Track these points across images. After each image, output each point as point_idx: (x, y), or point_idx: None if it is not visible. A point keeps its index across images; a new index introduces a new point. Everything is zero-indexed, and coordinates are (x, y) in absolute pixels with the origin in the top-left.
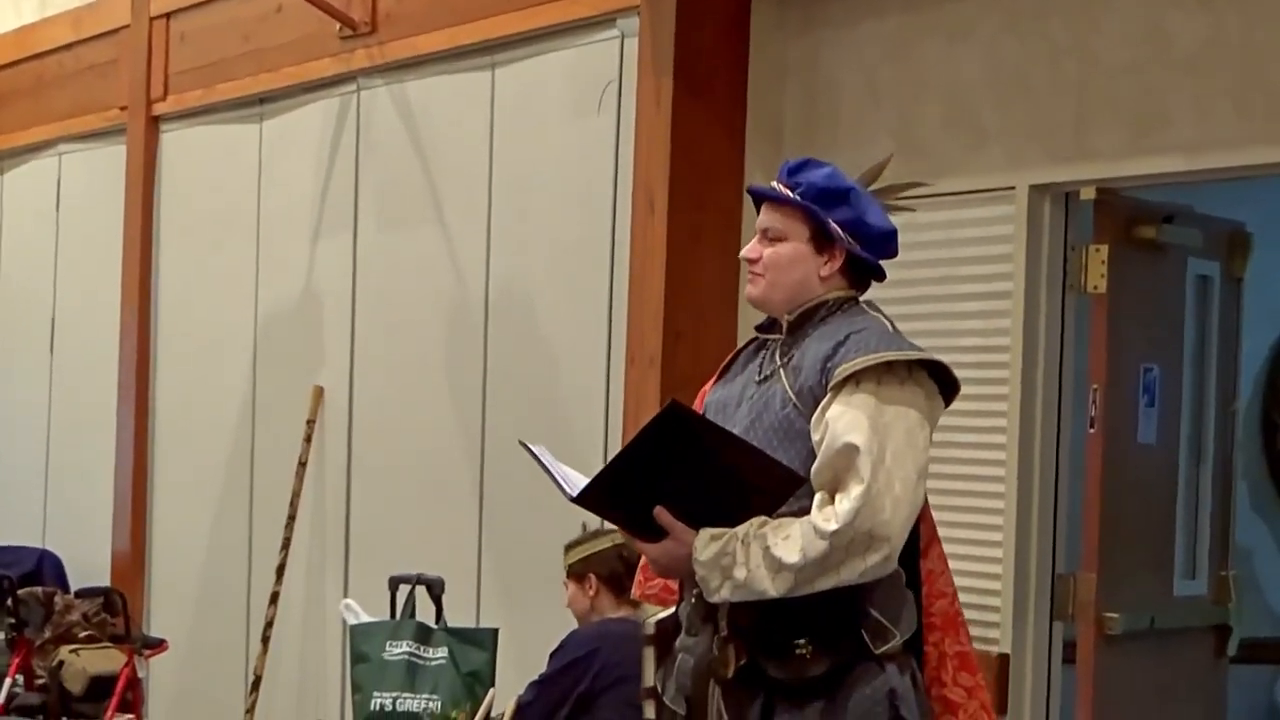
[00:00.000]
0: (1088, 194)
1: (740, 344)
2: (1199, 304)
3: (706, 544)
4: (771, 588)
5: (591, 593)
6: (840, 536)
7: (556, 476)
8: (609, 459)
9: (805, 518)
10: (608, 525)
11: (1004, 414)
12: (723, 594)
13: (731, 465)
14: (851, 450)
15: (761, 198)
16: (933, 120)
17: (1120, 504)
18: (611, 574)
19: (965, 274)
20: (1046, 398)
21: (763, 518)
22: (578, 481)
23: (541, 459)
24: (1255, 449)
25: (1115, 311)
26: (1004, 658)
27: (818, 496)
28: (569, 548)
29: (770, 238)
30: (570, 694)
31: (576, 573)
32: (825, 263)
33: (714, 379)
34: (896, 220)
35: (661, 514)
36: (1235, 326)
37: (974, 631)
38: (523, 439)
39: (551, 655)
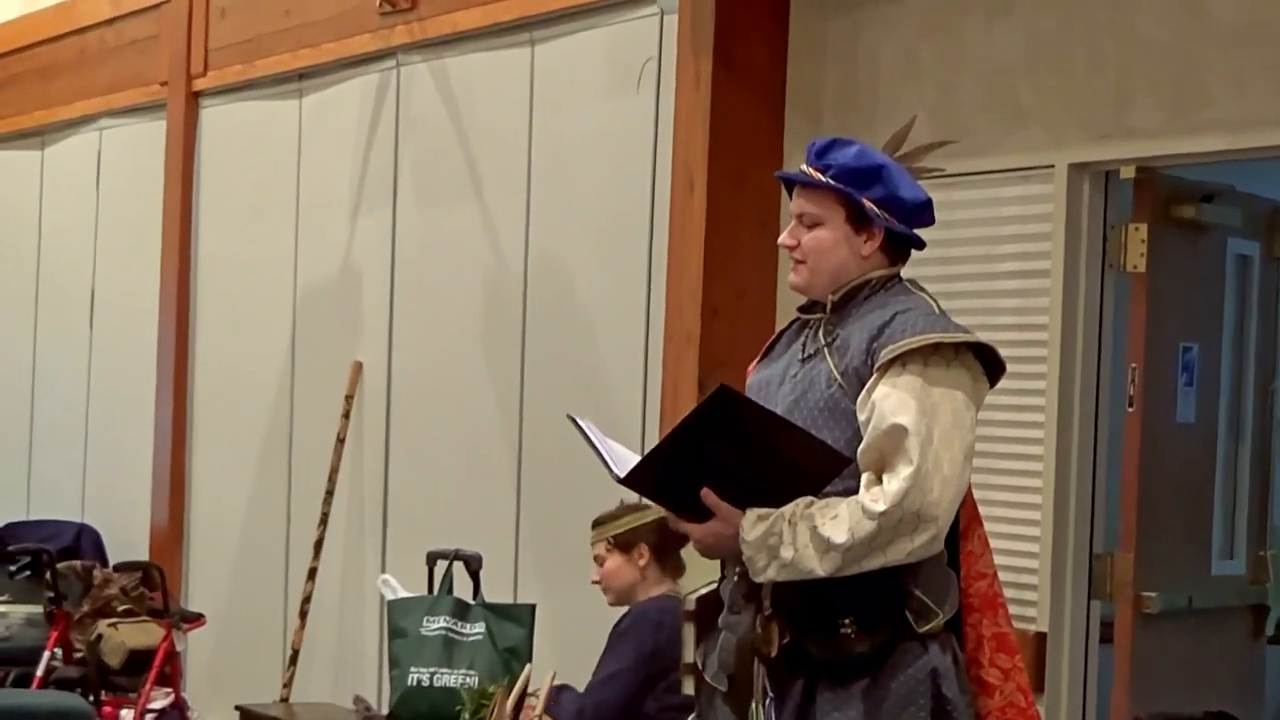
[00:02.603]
0: (1127, 173)
1: (779, 323)
2: (1238, 283)
3: (753, 524)
4: (819, 567)
5: (642, 563)
6: (889, 517)
7: (604, 453)
8: (656, 440)
9: (853, 497)
10: (644, 501)
11: (1042, 393)
12: (769, 574)
13: (778, 447)
14: (899, 431)
15: (793, 183)
16: (972, 98)
17: (1158, 483)
18: (660, 544)
19: (1004, 253)
20: (1085, 377)
21: (809, 498)
22: (625, 457)
23: (589, 434)
24: None
25: (1154, 291)
26: (1041, 637)
27: (865, 477)
28: (606, 521)
29: (807, 223)
30: (658, 682)
31: (624, 543)
32: (865, 242)
33: (757, 360)
34: (935, 197)
35: (707, 495)
36: (1275, 306)
37: (1011, 610)
38: (569, 412)
39: (619, 642)
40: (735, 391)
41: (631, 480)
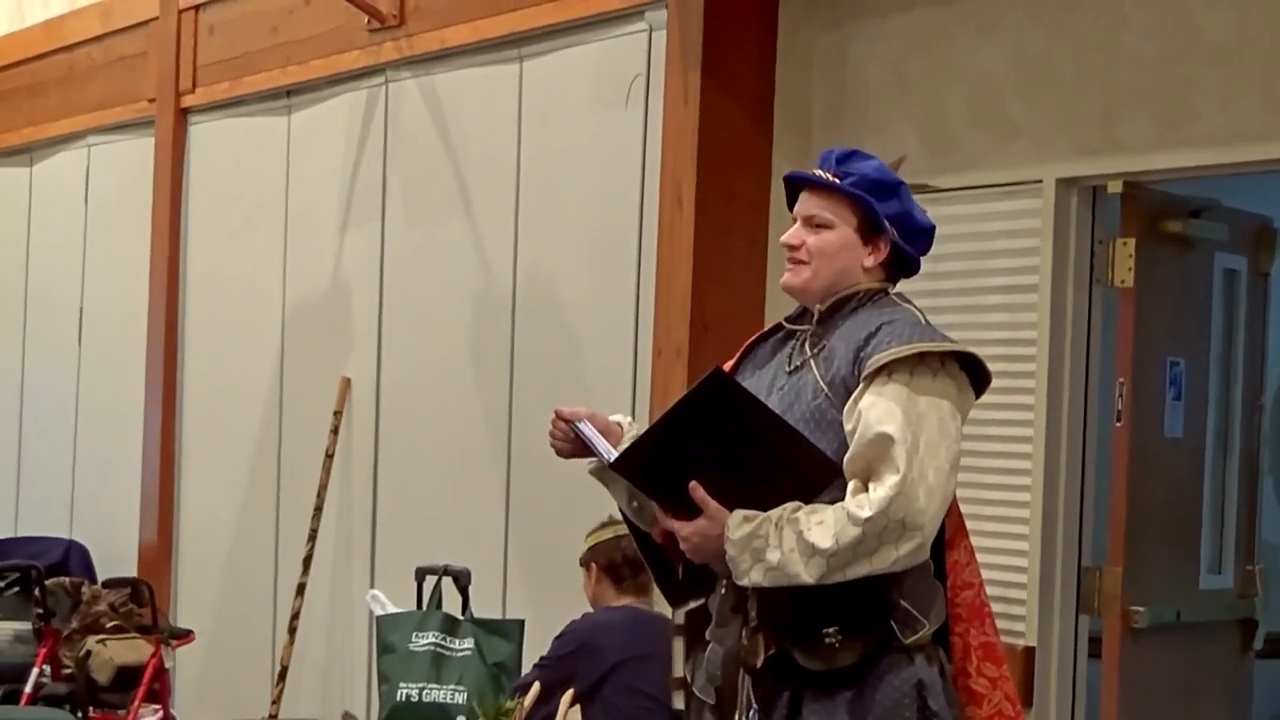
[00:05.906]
0: (1115, 187)
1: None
2: (1226, 298)
3: (739, 524)
4: (804, 572)
5: (594, 582)
6: (874, 524)
7: (596, 445)
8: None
9: (839, 504)
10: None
11: (1030, 407)
12: (752, 577)
13: (768, 440)
14: (885, 440)
15: (809, 184)
16: (960, 113)
17: (1146, 498)
18: (609, 564)
19: (992, 267)
20: (1073, 391)
21: (796, 503)
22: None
23: (582, 430)
24: None
25: (1142, 305)
26: (1030, 651)
27: (851, 485)
28: (587, 536)
29: (816, 225)
30: (567, 681)
31: (583, 561)
32: (870, 253)
33: (733, 363)
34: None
35: (696, 489)
36: (1262, 321)
37: (999, 625)
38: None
39: (555, 639)
40: (729, 376)
41: (622, 465)
